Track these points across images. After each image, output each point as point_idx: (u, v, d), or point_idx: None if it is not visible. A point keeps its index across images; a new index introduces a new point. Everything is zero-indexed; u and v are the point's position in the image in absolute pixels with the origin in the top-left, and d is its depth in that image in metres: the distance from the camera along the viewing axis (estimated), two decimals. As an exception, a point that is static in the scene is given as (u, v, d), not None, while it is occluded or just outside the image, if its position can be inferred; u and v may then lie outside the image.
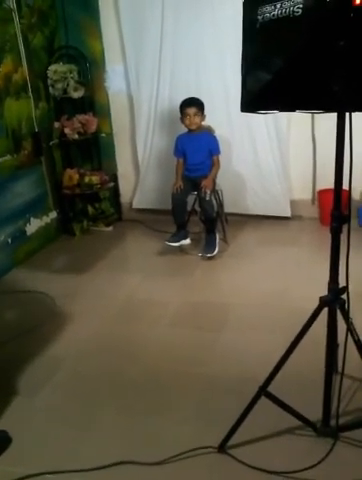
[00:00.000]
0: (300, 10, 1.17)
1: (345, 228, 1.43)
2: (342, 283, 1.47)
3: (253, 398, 1.61)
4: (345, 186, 1.40)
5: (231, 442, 1.67)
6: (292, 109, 1.43)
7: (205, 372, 2.15)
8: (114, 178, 4.31)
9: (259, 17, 1.30)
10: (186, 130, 3.52)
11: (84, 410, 1.96)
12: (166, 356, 2.30)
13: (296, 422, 1.67)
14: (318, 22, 1.16)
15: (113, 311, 2.77)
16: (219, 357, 2.26)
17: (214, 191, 3.50)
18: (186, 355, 2.30)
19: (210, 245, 3.45)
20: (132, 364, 2.25)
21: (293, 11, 1.19)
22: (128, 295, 2.96)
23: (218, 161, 3.53)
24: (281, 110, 1.48)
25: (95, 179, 4.03)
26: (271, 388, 1.59)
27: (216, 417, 1.85)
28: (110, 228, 4.22)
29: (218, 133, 3.64)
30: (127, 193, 4.45)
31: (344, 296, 1.48)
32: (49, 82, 3.82)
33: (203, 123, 3.50)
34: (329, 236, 1.45)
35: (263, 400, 1.59)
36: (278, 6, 1.22)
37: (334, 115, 1.34)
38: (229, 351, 2.31)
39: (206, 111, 3.44)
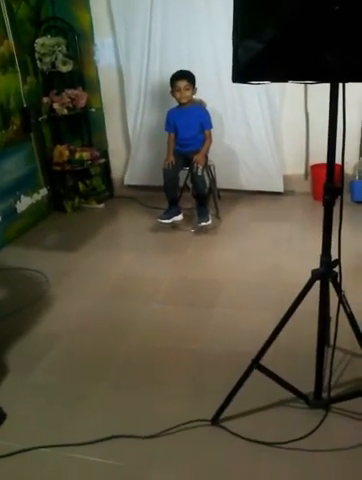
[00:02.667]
0: (293, -26, 1.13)
1: (338, 202, 1.41)
2: (334, 256, 1.47)
3: (246, 371, 1.62)
4: (338, 161, 1.38)
5: (224, 415, 1.69)
6: (284, 79, 1.39)
7: (198, 348, 2.16)
8: (105, 154, 4.26)
9: (251, -17, 1.26)
10: (177, 104, 3.46)
11: (77, 386, 1.97)
12: (159, 332, 2.31)
13: (288, 394, 1.69)
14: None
15: (105, 288, 2.77)
16: (212, 333, 2.28)
17: (206, 166, 3.47)
18: (179, 331, 2.31)
19: (203, 215, 3.45)
20: (125, 340, 2.26)
21: (286, -25, 1.14)
22: (120, 272, 2.96)
23: (210, 135, 3.49)
24: (273, 80, 1.45)
25: (86, 155, 3.98)
26: (263, 362, 1.60)
27: (209, 391, 1.87)
28: (102, 205, 4.19)
29: (210, 107, 3.59)
30: (118, 169, 4.40)
31: (336, 269, 1.48)
32: (37, 56, 3.73)
33: (194, 97, 3.44)
34: (322, 210, 1.44)
35: (255, 373, 1.60)
36: (270, -30, 1.17)
37: (327, 89, 1.31)
38: (222, 327, 2.32)
39: (197, 85, 3.38)
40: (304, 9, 1.17)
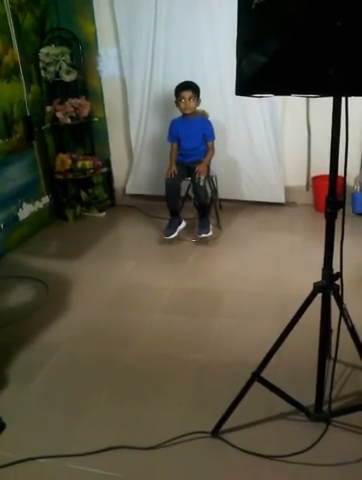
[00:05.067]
0: (297, -10, 1.15)
1: (340, 214, 1.42)
2: (336, 269, 1.47)
3: (246, 383, 1.61)
4: (340, 172, 1.39)
5: (224, 427, 1.68)
6: (287, 93, 1.40)
7: (199, 358, 2.15)
8: (107, 163, 4.27)
9: (255, -2, 1.27)
10: (180, 115, 3.48)
11: (78, 395, 1.96)
12: (160, 342, 2.30)
13: (289, 407, 1.68)
14: (315, 2, 1.14)
15: (107, 297, 2.77)
16: (213, 343, 2.27)
17: (208, 177, 3.48)
18: (180, 341, 2.30)
19: (204, 226, 3.45)
20: (126, 350, 2.25)
21: (289, -9, 1.16)
22: (122, 281, 2.96)
23: (213, 147, 3.50)
24: (276, 94, 1.46)
25: (88, 164, 3.99)
26: (264, 374, 1.59)
27: (210, 402, 1.86)
28: (103, 214, 4.20)
29: (213, 118, 3.61)
30: (120, 178, 4.41)
31: (338, 282, 1.48)
32: (41, 65, 3.76)
33: (198, 108, 3.46)
34: (323, 222, 1.44)
35: (256, 385, 1.60)
36: (274, -14, 1.19)
37: (329, 100, 1.32)
38: (223, 337, 2.31)
39: (201, 96, 3.41)
40: (307, 24, 1.18)
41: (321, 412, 1.68)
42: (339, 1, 1.10)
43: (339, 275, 1.46)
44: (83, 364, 2.17)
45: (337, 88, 1.22)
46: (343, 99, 1.27)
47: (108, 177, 4.33)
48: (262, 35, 1.32)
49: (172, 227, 3.49)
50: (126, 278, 3.00)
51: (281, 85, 1.34)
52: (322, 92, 1.28)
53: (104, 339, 2.36)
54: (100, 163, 4.11)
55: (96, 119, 4.16)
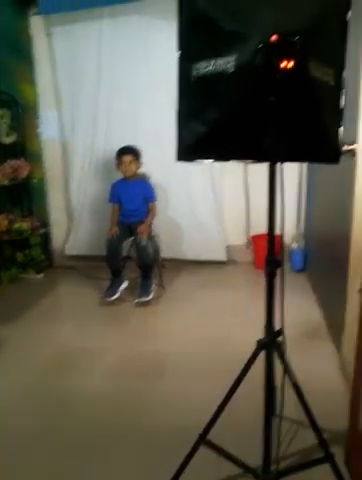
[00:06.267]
0: (233, 68, 1.25)
1: (279, 272, 1.47)
2: (278, 326, 1.50)
3: (193, 447, 1.56)
4: (277, 231, 1.47)
5: (171, 496, 1.60)
6: (227, 159, 1.49)
7: (144, 423, 2.07)
8: (45, 224, 4.22)
9: (194, 72, 1.36)
10: (121, 177, 3.55)
11: (12, 470, 1.80)
12: (102, 408, 2.20)
13: (237, 469, 1.64)
14: (250, 80, 1.24)
15: (45, 363, 2.63)
16: (158, 407, 2.20)
17: (151, 237, 3.52)
18: (122, 406, 2.21)
19: (145, 290, 3.43)
20: (66, 418, 2.12)
21: (226, 68, 1.26)
22: (60, 345, 2.84)
23: (154, 208, 3.58)
24: (216, 160, 1.54)
25: (25, 225, 3.92)
26: (212, 435, 1.56)
27: (155, 469, 1.78)
28: (41, 275, 4.09)
29: (154, 180, 3.72)
30: (59, 239, 4.37)
31: (280, 338, 1.51)
32: (-20, 126, 3.75)
33: (139, 170, 3.56)
34: (264, 279, 1.49)
35: (203, 449, 1.56)
36: (212, 62, 1.29)
37: (264, 165, 1.42)
38: (168, 401, 2.25)
39: (142, 159, 3.51)
40: (243, 98, 1.28)
41: (269, 473, 1.65)
42: (271, 80, 1.21)
43: (281, 332, 1.50)
44: (20, 436, 2.01)
45: (272, 155, 1.31)
46: (278, 164, 1.37)
47: (46, 238, 4.27)
48: (201, 106, 1.40)
49: (113, 287, 3.45)
50: (64, 342, 2.89)
51: (220, 152, 1.42)
52: (259, 158, 1.38)
53: (43, 408, 2.22)
54: (38, 224, 4.06)
55: (35, 180, 4.15)
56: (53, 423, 2.09)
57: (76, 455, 1.88)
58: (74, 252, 4.30)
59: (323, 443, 1.52)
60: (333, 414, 1.98)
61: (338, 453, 1.67)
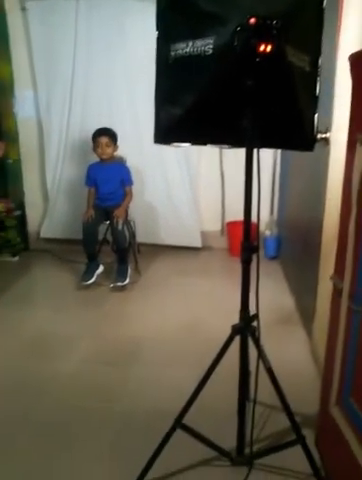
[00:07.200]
0: (211, 50, 1.22)
1: (255, 258, 1.48)
2: (253, 311, 1.51)
3: (168, 431, 1.57)
4: (253, 218, 1.46)
5: (147, 477, 1.61)
6: (203, 143, 1.47)
7: (118, 408, 2.08)
8: (21, 206, 4.15)
9: (172, 53, 1.33)
10: (98, 159, 3.50)
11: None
12: (77, 393, 2.19)
13: (212, 453, 1.66)
14: (228, 62, 1.22)
15: (19, 347, 2.61)
16: (132, 392, 2.20)
17: (126, 221, 3.49)
18: (98, 391, 2.21)
19: (121, 274, 3.41)
20: (41, 402, 2.11)
21: (204, 50, 1.23)
22: (35, 329, 2.81)
23: (130, 192, 3.54)
24: (193, 144, 1.52)
25: (0, 206, 3.84)
26: (187, 420, 1.57)
27: (130, 453, 1.79)
28: (16, 258, 4.03)
29: (131, 164, 3.67)
30: (35, 221, 4.29)
31: (255, 323, 1.52)
32: None
33: (115, 154, 3.50)
34: (238, 265, 1.49)
35: (178, 433, 1.57)
36: (190, 44, 1.26)
37: (239, 151, 1.40)
38: (142, 386, 2.26)
39: (119, 142, 3.46)
40: (221, 81, 1.26)
41: (243, 455, 1.68)
42: (248, 65, 1.19)
43: (256, 316, 1.51)
44: (-8, 422, 1.99)
45: (250, 140, 1.30)
46: (255, 150, 1.36)
47: (22, 220, 4.19)
48: (179, 88, 1.38)
49: (89, 272, 3.42)
50: (40, 326, 2.86)
51: (197, 137, 1.40)
52: (235, 144, 1.36)
53: (17, 392, 2.20)
54: (13, 206, 3.98)
55: (10, 161, 4.06)
56: (28, 407, 2.08)
57: (51, 439, 1.88)
58: (49, 235, 4.24)
59: (295, 426, 1.55)
60: (304, 398, 2.02)
61: (309, 435, 1.70)
